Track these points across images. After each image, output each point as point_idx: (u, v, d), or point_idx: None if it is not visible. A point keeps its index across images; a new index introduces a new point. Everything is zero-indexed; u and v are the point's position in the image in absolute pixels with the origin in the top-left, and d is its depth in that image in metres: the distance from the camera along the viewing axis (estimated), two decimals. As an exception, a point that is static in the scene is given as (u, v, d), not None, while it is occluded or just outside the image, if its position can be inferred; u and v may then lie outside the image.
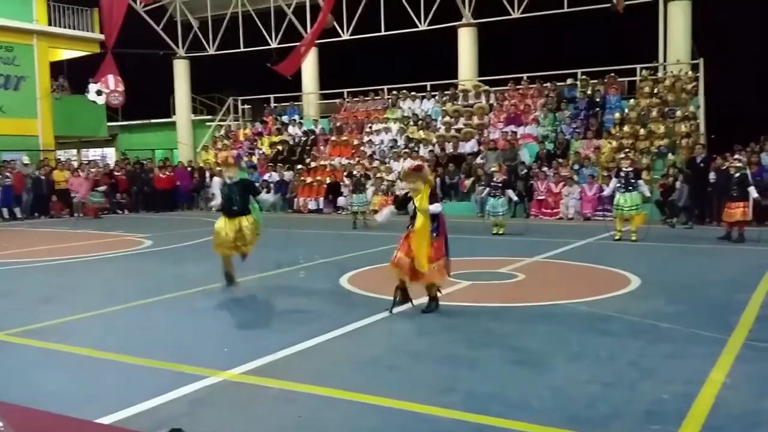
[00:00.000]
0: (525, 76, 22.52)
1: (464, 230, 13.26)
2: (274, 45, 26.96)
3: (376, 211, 17.99)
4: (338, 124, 24.51)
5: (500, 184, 14.02)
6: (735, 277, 9.10)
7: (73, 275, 10.18)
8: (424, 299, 7.09)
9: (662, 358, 5.30)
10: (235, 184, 8.27)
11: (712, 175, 14.75)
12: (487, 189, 14.43)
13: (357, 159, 21.38)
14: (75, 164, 24.30)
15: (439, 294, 7.11)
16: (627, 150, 14.49)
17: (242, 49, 28.03)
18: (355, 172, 16.86)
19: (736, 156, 14.01)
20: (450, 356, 5.50)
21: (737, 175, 12.51)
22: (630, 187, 12.32)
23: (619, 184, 12.52)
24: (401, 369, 5.22)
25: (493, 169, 14.77)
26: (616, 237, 12.64)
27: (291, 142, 24.62)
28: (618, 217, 12.69)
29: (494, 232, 14.01)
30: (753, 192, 12.43)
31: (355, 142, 22.97)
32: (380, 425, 4.11)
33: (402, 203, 7.33)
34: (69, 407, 4.21)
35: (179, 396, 4.60)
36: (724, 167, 13.96)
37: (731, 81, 24.57)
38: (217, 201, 8.41)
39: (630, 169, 12.51)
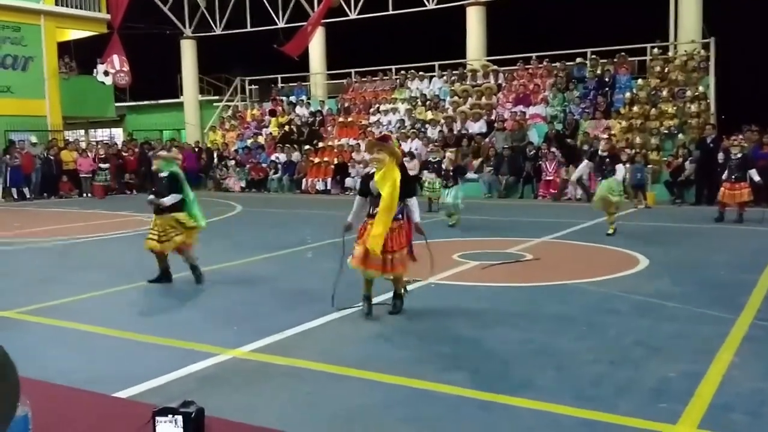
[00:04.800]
0: (534, 55, 22.28)
1: (471, 210, 13.21)
2: (281, 24, 26.81)
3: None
4: (346, 104, 24.41)
5: (451, 173, 12.19)
6: (744, 257, 9.06)
7: (82, 254, 10.26)
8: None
9: (670, 338, 5.30)
10: (163, 179, 7.57)
11: (720, 156, 14.64)
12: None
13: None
14: (83, 145, 24.33)
15: (405, 293, 6.28)
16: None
17: (249, 29, 27.88)
18: None
19: (741, 136, 13.86)
20: (456, 335, 5.53)
21: (739, 156, 12.37)
22: (606, 174, 10.75)
23: (590, 170, 11.43)
24: (407, 347, 5.25)
25: (448, 154, 12.97)
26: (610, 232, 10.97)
27: (298, 123, 24.56)
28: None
29: (450, 224, 12.04)
30: (755, 175, 12.31)
31: (363, 122, 22.88)
32: (386, 401, 4.14)
33: (364, 189, 6.16)
34: (79, 384, 4.25)
35: (189, 373, 4.65)
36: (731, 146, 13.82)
37: (742, 61, 24.28)
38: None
39: (605, 153, 10.89)
